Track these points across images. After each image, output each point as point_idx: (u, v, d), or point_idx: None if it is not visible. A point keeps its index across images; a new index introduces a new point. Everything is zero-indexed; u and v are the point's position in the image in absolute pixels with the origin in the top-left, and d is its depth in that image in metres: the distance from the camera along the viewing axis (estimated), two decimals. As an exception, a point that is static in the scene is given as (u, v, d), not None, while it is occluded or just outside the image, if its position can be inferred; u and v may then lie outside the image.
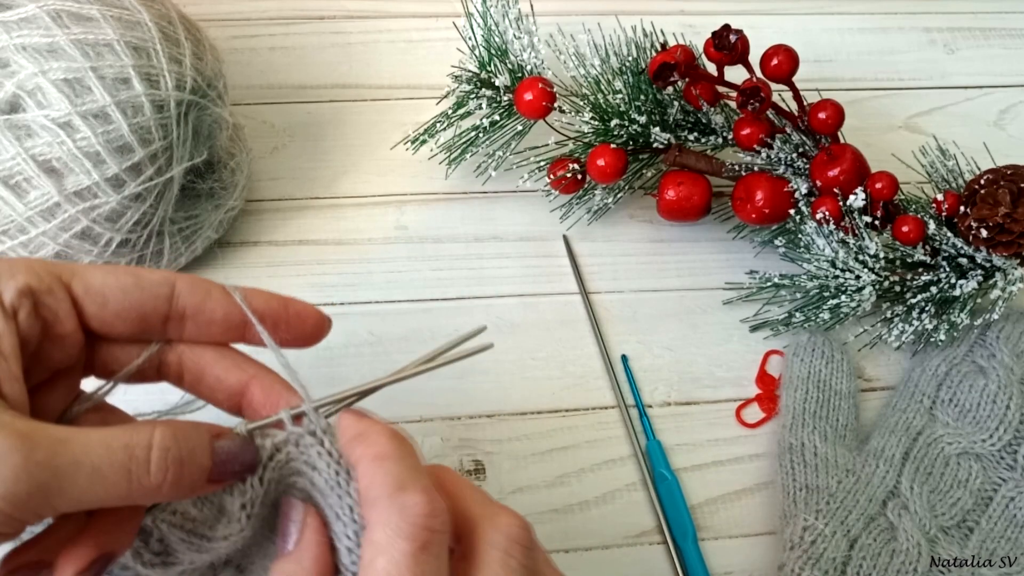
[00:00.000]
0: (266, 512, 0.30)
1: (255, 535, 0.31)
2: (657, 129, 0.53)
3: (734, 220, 0.56)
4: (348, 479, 0.28)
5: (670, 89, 0.54)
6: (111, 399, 0.31)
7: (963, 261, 0.50)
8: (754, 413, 0.52)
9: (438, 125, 0.55)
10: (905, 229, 0.50)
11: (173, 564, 0.31)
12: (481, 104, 0.54)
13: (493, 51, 0.54)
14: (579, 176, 0.55)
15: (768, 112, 0.51)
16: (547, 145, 0.56)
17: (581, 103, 0.54)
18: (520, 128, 0.55)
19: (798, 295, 0.52)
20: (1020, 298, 0.54)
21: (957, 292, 0.50)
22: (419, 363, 0.32)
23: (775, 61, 0.50)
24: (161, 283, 0.30)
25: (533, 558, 0.28)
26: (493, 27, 0.54)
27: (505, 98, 0.54)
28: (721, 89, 0.52)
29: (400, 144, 0.58)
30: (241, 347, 0.32)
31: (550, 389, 0.51)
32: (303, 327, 0.33)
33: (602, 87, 0.54)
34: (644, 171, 0.57)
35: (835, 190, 0.50)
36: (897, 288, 0.51)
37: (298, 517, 0.29)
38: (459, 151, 0.56)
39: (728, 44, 0.50)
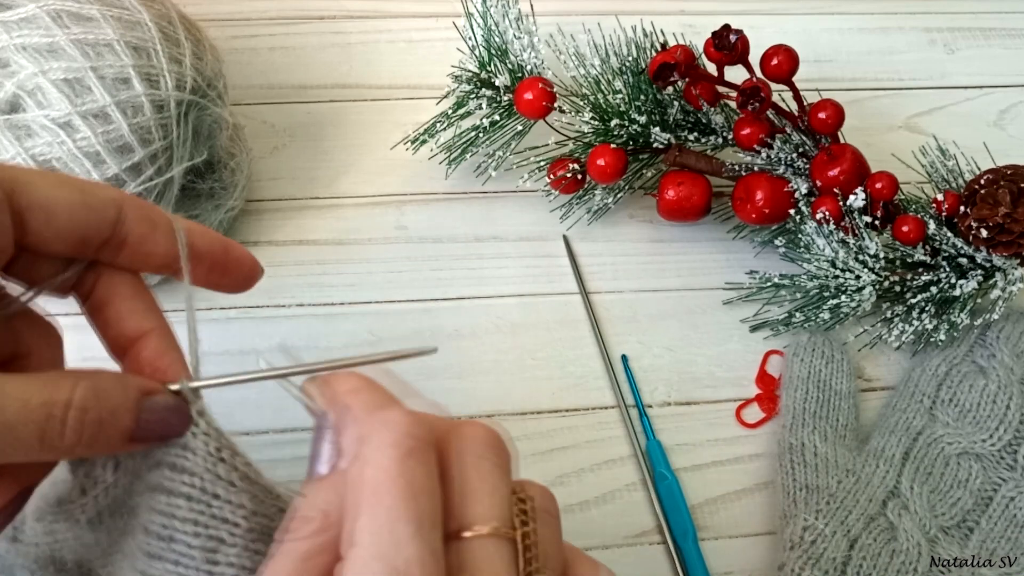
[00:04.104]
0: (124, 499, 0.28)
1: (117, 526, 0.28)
2: (657, 129, 0.53)
3: (734, 220, 0.56)
4: (232, 459, 0.26)
5: (670, 89, 0.54)
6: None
7: (963, 261, 0.50)
8: (754, 413, 0.52)
9: (438, 125, 0.55)
10: (905, 229, 0.50)
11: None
12: (481, 104, 0.54)
13: (493, 51, 0.54)
14: (579, 176, 0.55)
15: (768, 112, 0.51)
16: (547, 145, 0.56)
17: (581, 103, 0.54)
18: (520, 128, 0.55)
19: (798, 295, 0.52)
20: (1020, 298, 0.54)
21: (957, 292, 0.50)
22: (354, 360, 0.29)
23: (775, 61, 0.50)
24: (109, 205, 0.27)
25: (507, 458, 0.27)
26: (493, 27, 0.54)
27: (505, 98, 0.54)
28: (721, 89, 0.52)
29: (400, 144, 0.58)
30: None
31: (550, 389, 0.51)
32: (239, 272, 0.31)
33: (602, 87, 0.54)
34: (644, 171, 0.57)
35: (835, 190, 0.50)
36: (897, 288, 0.51)
37: (331, 435, 0.27)
38: (459, 151, 0.56)
39: (728, 44, 0.50)
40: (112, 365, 0.30)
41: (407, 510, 0.24)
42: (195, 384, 0.27)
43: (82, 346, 0.30)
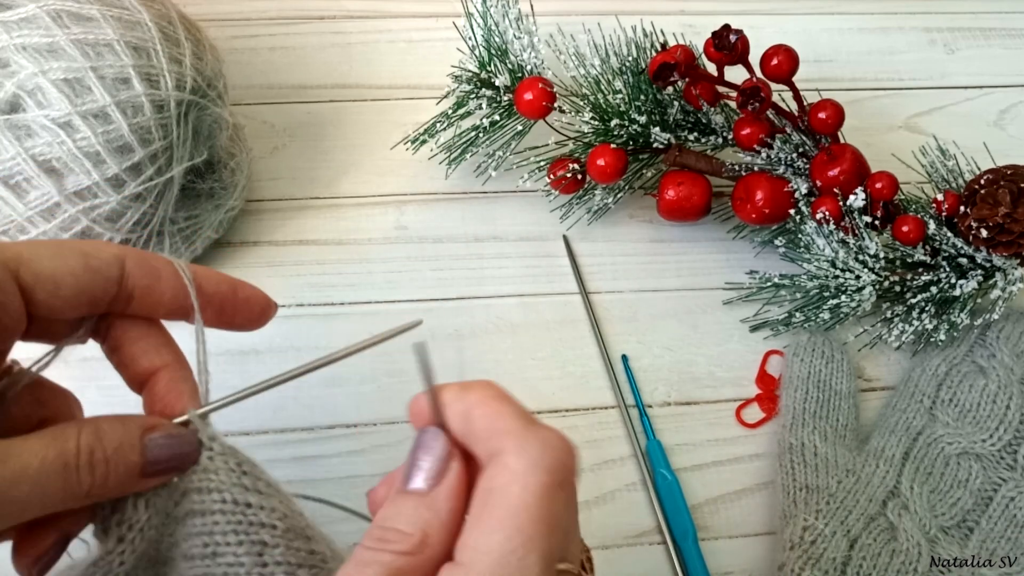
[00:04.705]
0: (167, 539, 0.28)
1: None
2: (657, 129, 0.53)
3: (734, 220, 0.56)
4: (254, 471, 0.27)
5: (670, 89, 0.54)
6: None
7: (963, 261, 0.50)
8: (754, 413, 0.52)
9: (438, 125, 0.55)
10: (905, 229, 0.50)
11: None
12: (481, 104, 0.54)
13: (493, 51, 0.54)
14: (579, 176, 0.55)
15: (768, 112, 0.51)
16: (547, 145, 0.56)
17: (581, 103, 0.54)
18: (520, 128, 0.55)
19: (798, 295, 0.52)
20: (1020, 298, 0.54)
21: (957, 292, 0.50)
22: (334, 355, 0.29)
23: (775, 61, 0.50)
24: (112, 264, 0.28)
25: (556, 496, 0.24)
26: (493, 27, 0.54)
27: (505, 98, 0.54)
28: (721, 89, 0.52)
29: (400, 144, 0.58)
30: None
31: (550, 389, 0.51)
32: (250, 312, 0.32)
33: (602, 87, 0.54)
34: (644, 171, 0.57)
35: (835, 190, 0.50)
36: (897, 288, 0.51)
37: (439, 451, 0.25)
38: (459, 151, 0.56)
39: (728, 44, 0.50)
40: (136, 399, 0.31)
41: (543, 544, 0.23)
42: (201, 411, 0.28)
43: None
